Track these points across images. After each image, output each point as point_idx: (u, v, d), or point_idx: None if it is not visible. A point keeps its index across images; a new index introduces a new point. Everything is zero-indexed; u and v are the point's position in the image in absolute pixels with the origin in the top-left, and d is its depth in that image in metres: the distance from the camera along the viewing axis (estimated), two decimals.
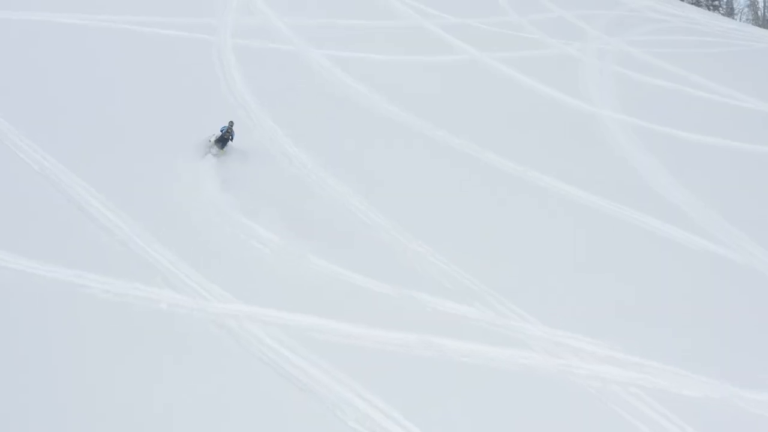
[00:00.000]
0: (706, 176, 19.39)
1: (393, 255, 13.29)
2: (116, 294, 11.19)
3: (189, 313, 10.80)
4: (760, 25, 68.50)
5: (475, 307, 11.37)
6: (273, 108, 20.37)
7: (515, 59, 29.08)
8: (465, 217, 15.15)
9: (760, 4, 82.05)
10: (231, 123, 17.29)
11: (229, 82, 22.53)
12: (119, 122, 18.24)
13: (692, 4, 67.47)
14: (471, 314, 11.20)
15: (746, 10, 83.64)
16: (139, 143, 17.15)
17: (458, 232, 14.42)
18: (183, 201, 14.60)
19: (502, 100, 23.96)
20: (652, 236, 14.55)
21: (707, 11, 62.05)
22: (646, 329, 11.09)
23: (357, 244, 13.56)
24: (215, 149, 16.67)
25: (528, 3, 40.00)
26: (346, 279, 12.02)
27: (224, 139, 16.91)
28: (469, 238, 14.10)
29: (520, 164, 17.96)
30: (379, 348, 10.34)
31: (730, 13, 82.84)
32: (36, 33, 25.18)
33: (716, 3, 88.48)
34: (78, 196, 14.30)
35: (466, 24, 34.06)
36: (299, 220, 14.11)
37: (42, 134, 16.58)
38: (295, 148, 17.87)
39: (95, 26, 26.34)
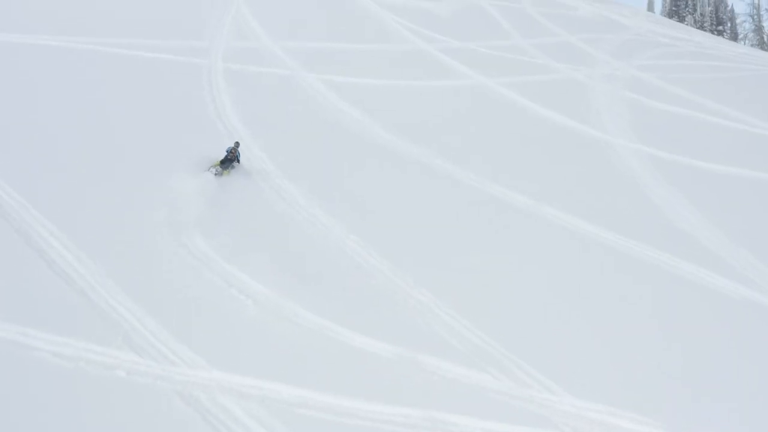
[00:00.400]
0: (733, 211, 17.79)
1: (393, 306, 11.65)
2: (67, 358, 9.51)
3: (151, 383, 9.11)
4: (766, 50, 67.59)
5: (490, 374, 9.67)
6: (263, 135, 18.85)
7: (520, 84, 27.72)
8: (472, 260, 13.52)
9: (766, 29, 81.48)
10: (237, 144, 17.03)
11: (218, 107, 21.08)
12: (95, 151, 16.73)
13: (697, 29, 66.79)
14: (485, 383, 9.50)
15: (751, 35, 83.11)
16: (117, 174, 15.62)
17: (466, 278, 12.79)
18: (158, 240, 13.01)
19: (508, 128, 22.50)
20: (687, 283, 12.88)
21: (713, 36, 61.21)
22: (696, 401, 9.41)
23: (352, 293, 11.92)
24: (216, 169, 16.15)
25: (532, 27, 38.89)
26: (339, 338, 10.35)
27: (228, 159, 16.51)
28: (479, 286, 12.47)
29: (532, 198, 16.39)
30: (378, 427, 8.63)
31: (734, 38, 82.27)
32: (18, 56, 23.84)
33: (720, 28, 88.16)
34: (37, 235, 12.70)
35: (468, 48, 32.80)
36: (287, 264, 12.50)
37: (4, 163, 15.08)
38: (286, 179, 16.33)
39: (81, 49, 24.99)
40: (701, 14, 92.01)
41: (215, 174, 15.94)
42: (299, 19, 32.30)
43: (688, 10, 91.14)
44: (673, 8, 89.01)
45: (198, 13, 31.13)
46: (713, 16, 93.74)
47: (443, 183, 17.28)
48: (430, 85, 27.02)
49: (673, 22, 60.99)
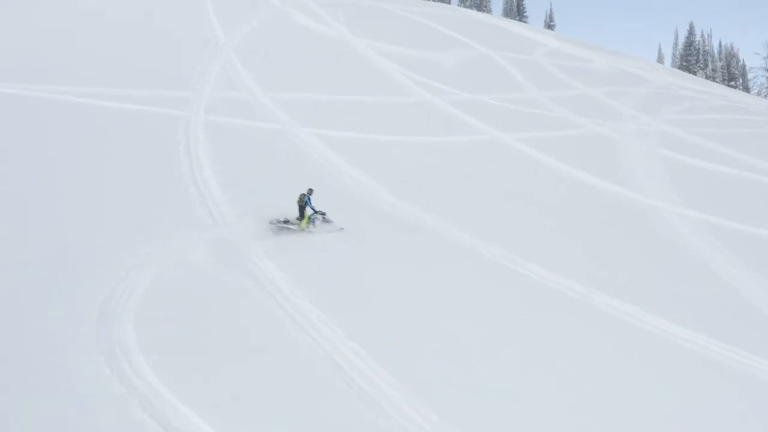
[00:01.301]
0: None
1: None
2: None
3: None
4: None
5: None
6: (245, 204, 15.85)
7: (542, 141, 25.02)
8: (518, 369, 10.24)
9: None
10: (310, 191, 15.39)
11: (194, 166, 18.21)
12: (32, 234, 13.72)
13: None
14: None
15: (765, 90, 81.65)
16: (52, 259, 12.55)
17: (512, 404, 9.49)
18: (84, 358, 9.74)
19: (536, 191, 19.58)
20: None
21: (735, 89, 59.39)
22: None
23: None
24: (282, 222, 14.66)
25: (548, 79, 36.66)
26: None
27: (302, 208, 14.97)
28: (533, 406, 9.18)
29: (583, 283, 13.21)
30: None
31: (746, 91, 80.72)
32: None
33: (732, 84, 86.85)
34: None
35: (481, 101, 30.34)
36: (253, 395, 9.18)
37: None
38: (275, 275, 12.45)
39: (43, 98, 22.39)
40: (713, 69, 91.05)
41: (292, 227, 14.50)
42: (294, 69, 29.94)
43: (699, 66, 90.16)
44: (684, 63, 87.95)
45: (184, 60, 28.81)
46: (725, 71, 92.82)
47: (471, 264, 14.01)
48: (440, 141, 24.31)
49: (692, 76, 59.26)
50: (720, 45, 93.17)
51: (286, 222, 14.80)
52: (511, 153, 23.40)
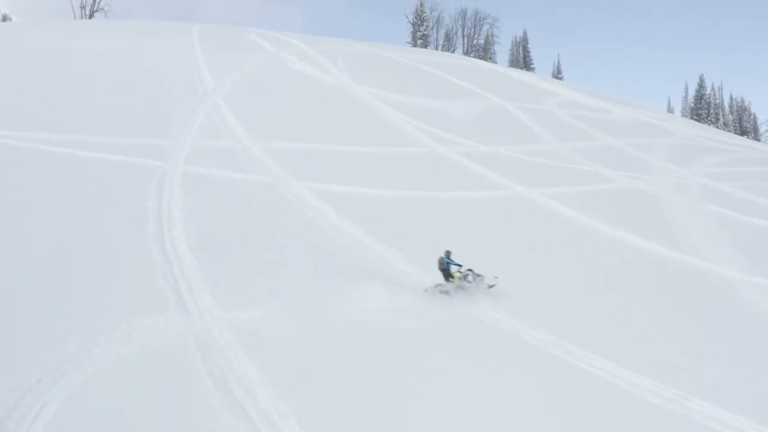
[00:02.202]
0: None
1: None
2: None
3: None
4: None
5: None
6: (219, 274, 12.75)
7: (575, 196, 22.10)
8: None
9: None
10: (448, 252, 14.01)
11: (162, 224, 15.18)
12: None
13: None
14: None
15: None
16: None
17: None
18: None
19: (578, 257, 16.46)
20: None
21: (762, 142, 57.25)
22: None
23: None
24: (444, 287, 13.44)
25: (567, 130, 34.09)
26: None
27: (445, 270, 13.71)
28: None
29: (660, 380, 10.01)
30: None
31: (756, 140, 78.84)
32: None
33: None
34: None
35: (498, 153, 27.62)
36: None
37: None
38: (249, 360, 9.77)
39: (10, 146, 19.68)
40: (724, 123, 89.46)
41: (440, 290, 13.32)
42: (288, 117, 27.33)
43: (710, 119, 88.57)
44: (695, 117, 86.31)
45: (167, 107, 26.19)
46: (737, 124, 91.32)
47: (512, 354, 10.89)
48: (457, 196, 21.37)
49: (713, 128, 57.16)
50: (731, 98, 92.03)
51: (440, 285, 13.61)
52: (540, 211, 20.42)
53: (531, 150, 28.73)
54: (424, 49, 59.44)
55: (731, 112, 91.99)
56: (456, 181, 23.19)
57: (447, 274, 13.76)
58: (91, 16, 61.87)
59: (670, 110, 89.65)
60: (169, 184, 18.16)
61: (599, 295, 13.97)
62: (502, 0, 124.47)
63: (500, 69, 54.77)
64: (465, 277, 13.60)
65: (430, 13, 68.80)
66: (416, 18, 67.45)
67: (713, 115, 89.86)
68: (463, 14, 73.30)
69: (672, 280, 15.62)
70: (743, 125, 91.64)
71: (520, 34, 77.37)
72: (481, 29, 72.94)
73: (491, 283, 13.42)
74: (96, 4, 62.86)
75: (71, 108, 24.25)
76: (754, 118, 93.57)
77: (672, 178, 26.43)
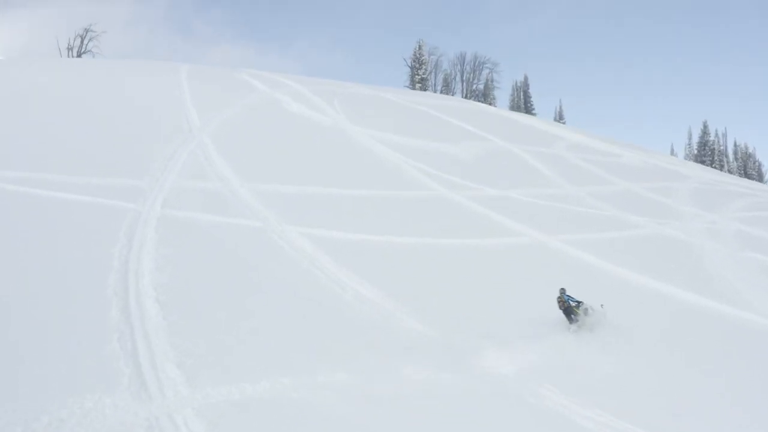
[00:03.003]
0: None
1: None
2: None
3: None
4: None
5: None
6: (191, 341, 10.48)
7: (601, 243, 20.04)
8: None
9: None
10: (563, 290, 13.73)
11: (129, 277, 12.93)
12: None
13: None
14: None
15: None
16: None
17: None
18: None
19: (622, 314, 14.21)
20: None
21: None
22: None
23: None
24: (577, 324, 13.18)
25: (579, 173, 32.31)
26: None
27: (567, 309, 13.43)
28: None
29: None
30: None
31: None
32: None
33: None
34: None
35: (509, 197, 25.67)
36: None
37: None
38: None
39: None
40: (729, 171, 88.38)
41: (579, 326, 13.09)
42: (280, 158, 25.43)
43: (714, 166, 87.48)
44: (698, 163, 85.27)
45: (149, 145, 24.21)
46: (742, 171, 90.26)
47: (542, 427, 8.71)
48: (468, 243, 19.26)
49: (727, 173, 55.69)
50: (735, 144, 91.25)
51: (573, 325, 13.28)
52: (565, 260, 18.31)
53: (544, 194, 26.81)
54: (423, 92, 58.22)
55: (735, 159, 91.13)
56: (467, 227, 21.15)
57: (569, 312, 13.45)
58: (78, 57, 60.67)
59: (673, 156, 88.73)
60: (142, 229, 16.01)
61: (647, 360, 11.71)
62: (503, 45, 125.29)
63: (502, 112, 53.46)
64: (586, 311, 13.41)
65: (429, 57, 68.08)
66: (414, 62, 66.61)
67: (717, 162, 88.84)
68: (462, 58, 72.57)
69: (735, 341, 13.41)
70: (748, 172, 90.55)
71: (520, 78, 76.88)
72: (480, 74, 72.18)
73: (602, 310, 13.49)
74: (84, 46, 61.82)
75: (35, 145, 22.20)
76: (759, 164, 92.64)
77: (700, 223, 24.48)
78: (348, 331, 11.54)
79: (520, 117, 52.39)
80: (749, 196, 33.10)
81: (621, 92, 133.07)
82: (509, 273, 17.17)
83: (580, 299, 13.52)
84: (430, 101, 46.51)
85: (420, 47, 67.11)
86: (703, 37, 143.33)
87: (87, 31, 62.17)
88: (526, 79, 76.00)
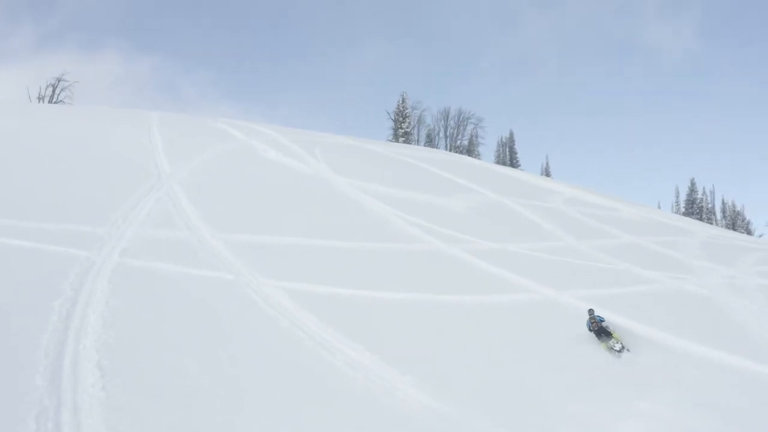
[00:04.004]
0: None
1: None
2: None
3: None
4: None
5: None
6: (135, 421, 8.27)
7: (617, 300, 18.12)
8: None
9: None
10: (591, 311, 14.70)
11: (68, 334, 10.66)
12: None
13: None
14: None
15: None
16: None
17: None
18: None
19: (666, 385, 12.21)
20: None
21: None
22: None
23: None
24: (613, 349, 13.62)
25: (579, 227, 30.69)
26: None
27: (599, 331, 14.06)
28: None
29: None
30: None
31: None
32: None
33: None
34: None
35: (509, 251, 23.82)
36: None
37: None
38: None
39: None
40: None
41: (618, 350, 13.56)
42: (256, 207, 23.50)
43: None
44: None
45: (113, 191, 22.15)
46: (731, 229, 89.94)
47: None
48: (471, 300, 17.25)
49: (725, 229, 54.64)
50: (723, 202, 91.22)
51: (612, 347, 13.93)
52: (580, 317, 16.25)
53: (546, 247, 25.02)
54: (408, 144, 57.09)
55: (724, 217, 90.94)
56: (467, 282, 19.18)
57: (602, 332, 14.02)
58: None
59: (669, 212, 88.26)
60: (93, 279, 13.80)
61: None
62: (487, 100, 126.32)
63: (490, 165, 52.29)
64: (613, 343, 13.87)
65: (412, 111, 67.28)
66: (398, 115, 65.69)
67: (706, 220, 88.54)
68: (446, 113, 71.93)
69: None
70: (737, 230, 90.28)
71: (506, 134, 76.38)
72: (465, 129, 71.50)
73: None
74: (55, 96, 60.10)
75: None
76: (748, 223, 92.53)
77: (719, 278, 22.73)
78: (344, 408, 9.36)
79: (509, 170, 51.26)
80: (758, 250, 31.60)
81: (606, 149, 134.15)
82: (520, 332, 15.14)
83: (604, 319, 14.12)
84: (415, 153, 45.20)
85: (404, 100, 66.36)
86: (689, 95, 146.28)
87: (59, 80, 60.61)
88: (511, 134, 75.52)
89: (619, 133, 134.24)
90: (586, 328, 15.09)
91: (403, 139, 63.47)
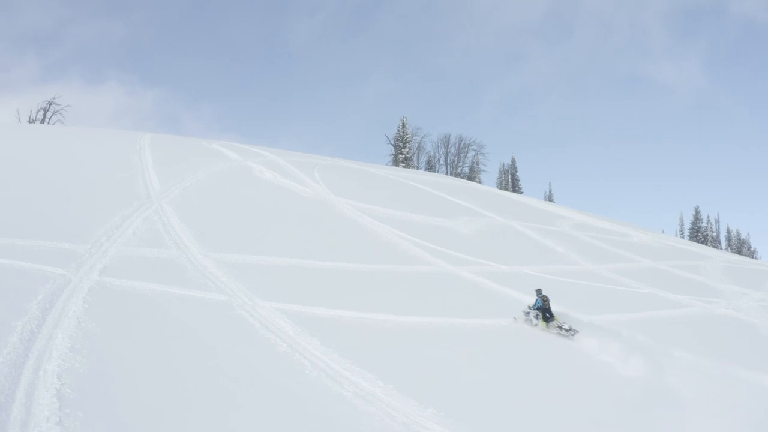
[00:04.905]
0: None
1: None
2: None
3: None
4: None
5: None
6: None
7: (650, 324, 16.57)
8: None
9: None
10: (538, 291, 16.23)
11: (27, 358, 9.01)
12: None
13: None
14: None
15: None
16: None
17: None
18: None
19: (721, 419, 10.63)
20: None
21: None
22: None
23: None
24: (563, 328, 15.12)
25: (594, 251, 29.23)
26: None
27: (546, 310, 15.53)
28: None
29: None
30: None
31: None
32: None
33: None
34: None
35: (524, 273, 22.29)
36: None
37: None
38: None
39: None
40: None
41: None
42: (251, 227, 21.96)
43: None
44: None
45: (98, 209, 20.60)
46: None
47: None
48: (485, 324, 15.67)
49: (739, 255, 53.16)
50: (728, 230, 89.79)
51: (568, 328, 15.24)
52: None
53: (563, 271, 23.51)
54: (409, 169, 55.71)
55: (729, 246, 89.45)
56: (481, 305, 17.64)
57: (547, 312, 15.54)
58: None
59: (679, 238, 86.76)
60: (66, 299, 12.17)
61: None
62: (489, 130, 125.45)
63: (495, 190, 50.94)
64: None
65: (412, 137, 65.94)
66: (398, 140, 64.37)
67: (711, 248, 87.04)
68: (446, 141, 70.72)
69: None
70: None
71: (507, 161, 75.09)
72: (465, 156, 70.21)
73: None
74: (46, 120, 58.80)
75: None
76: (754, 251, 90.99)
77: (747, 301, 21.24)
78: None
79: (514, 195, 49.92)
80: None
81: (608, 177, 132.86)
82: (546, 358, 13.53)
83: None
84: (417, 176, 43.86)
85: (404, 125, 65.03)
86: (694, 126, 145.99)
87: (50, 104, 59.35)
88: (513, 161, 74.29)
89: (622, 163, 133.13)
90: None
91: (404, 164, 62.00)
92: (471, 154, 70.22)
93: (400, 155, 63.76)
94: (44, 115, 58.45)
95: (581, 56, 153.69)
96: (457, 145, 70.53)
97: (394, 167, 55.84)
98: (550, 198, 71.67)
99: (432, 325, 14.99)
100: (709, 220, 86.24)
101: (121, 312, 12.24)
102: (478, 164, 70.20)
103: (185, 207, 22.92)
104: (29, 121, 56.91)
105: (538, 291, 16.33)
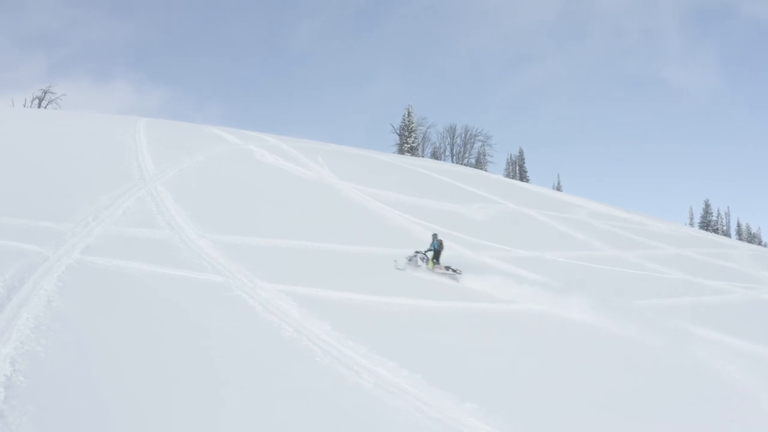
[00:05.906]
0: None
1: None
2: None
3: None
4: None
5: None
6: None
7: (694, 310, 14.97)
8: None
9: None
10: (434, 235, 16.94)
11: None
12: None
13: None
14: None
15: None
16: None
17: None
18: None
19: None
20: None
21: None
22: None
23: None
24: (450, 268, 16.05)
25: (615, 238, 27.64)
26: None
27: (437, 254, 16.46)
28: None
29: None
30: None
31: None
32: None
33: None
34: None
35: (545, 258, 20.72)
36: None
37: None
38: None
39: None
40: None
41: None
42: (252, 209, 20.42)
43: None
44: None
45: (87, 190, 19.02)
46: None
47: None
48: (512, 309, 14.08)
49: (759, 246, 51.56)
50: (738, 224, 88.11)
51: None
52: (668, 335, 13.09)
53: (587, 257, 21.91)
54: (416, 157, 54.05)
55: (739, 240, 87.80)
56: (505, 291, 15.99)
57: (438, 255, 16.57)
58: None
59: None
60: (40, 277, 10.60)
61: None
62: (497, 125, 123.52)
63: (506, 179, 49.30)
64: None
65: (418, 126, 64.25)
66: (404, 129, 62.67)
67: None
68: (452, 131, 68.98)
69: None
70: None
71: (515, 152, 73.42)
72: (472, 147, 68.47)
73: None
74: (41, 108, 57.21)
75: None
76: (765, 245, 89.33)
77: None
78: None
79: (526, 184, 48.29)
80: None
81: (616, 172, 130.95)
82: (587, 347, 11.93)
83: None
84: (425, 164, 42.23)
85: (409, 114, 63.34)
86: (705, 125, 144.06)
87: (45, 92, 57.74)
88: (521, 152, 72.55)
89: (631, 161, 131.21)
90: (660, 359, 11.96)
91: (409, 154, 60.19)
92: (477, 144, 68.53)
93: (405, 144, 62.10)
94: (39, 104, 56.87)
95: (593, 57, 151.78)
96: (463, 135, 68.85)
97: (400, 156, 54.22)
98: (558, 189, 70.02)
99: (453, 308, 13.43)
100: (719, 214, 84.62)
101: (102, 292, 10.66)
102: (484, 155, 68.51)
103: (181, 188, 21.35)
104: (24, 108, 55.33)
105: (434, 235, 17.22)
